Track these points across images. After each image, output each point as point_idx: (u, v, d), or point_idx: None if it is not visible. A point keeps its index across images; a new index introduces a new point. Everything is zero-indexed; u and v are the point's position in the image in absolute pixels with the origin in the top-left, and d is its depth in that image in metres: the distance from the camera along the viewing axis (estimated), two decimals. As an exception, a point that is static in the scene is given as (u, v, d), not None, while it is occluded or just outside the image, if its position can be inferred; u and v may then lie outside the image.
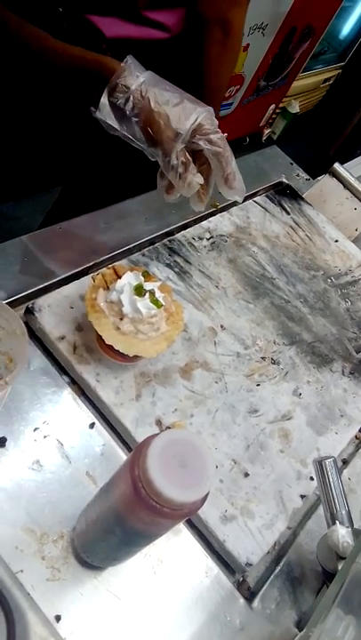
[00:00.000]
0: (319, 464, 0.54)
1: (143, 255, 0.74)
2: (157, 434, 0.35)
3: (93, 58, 0.52)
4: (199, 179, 0.53)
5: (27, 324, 0.60)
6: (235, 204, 0.92)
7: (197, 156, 0.53)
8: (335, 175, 1.02)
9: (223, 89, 0.85)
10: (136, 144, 0.53)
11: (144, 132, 0.51)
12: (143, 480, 0.33)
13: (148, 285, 0.56)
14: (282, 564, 0.56)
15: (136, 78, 0.50)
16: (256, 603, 0.53)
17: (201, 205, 0.58)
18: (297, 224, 0.97)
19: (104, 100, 0.50)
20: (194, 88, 0.92)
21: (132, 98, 0.50)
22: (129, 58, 0.51)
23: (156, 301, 0.56)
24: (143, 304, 0.55)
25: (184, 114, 0.50)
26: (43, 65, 0.54)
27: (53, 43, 0.53)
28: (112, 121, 0.51)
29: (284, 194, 1.01)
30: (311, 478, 0.63)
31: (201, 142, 0.51)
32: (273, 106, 2.65)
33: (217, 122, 0.52)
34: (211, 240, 0.83)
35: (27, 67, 0.56)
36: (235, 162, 0.54)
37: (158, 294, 0.57)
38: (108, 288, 0.57)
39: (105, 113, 0.51)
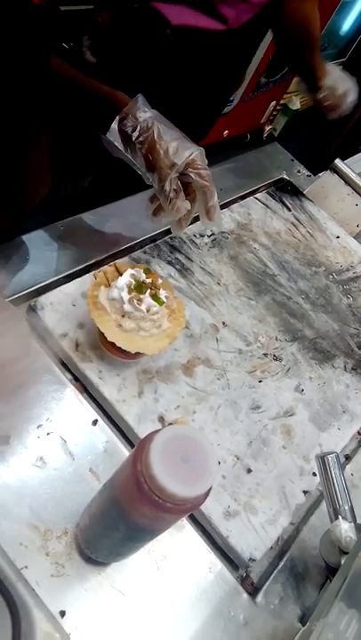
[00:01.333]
0: (322, 459, 0.54)
1: (145, 252, 0.74)
2: (160, 429, 0.35)
3: (108, 90, 0.60)
4: (187, 205, 0.61)
5: (29, 321, 0.61)
6: (235, 200, 0.93)
7: (185, 188, 0.61)
8: (336, 171, 1.02)
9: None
10: (136, 167, 0.61)
11: (145, 158, 0.58)
12: (146, 475, 0.34)
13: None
14: (285, 559, 0.56)
15: (144, 113, 0.58)
16: (260, 598, 0.53)
17: (180, 231, 0.65)
18: (298, 220, 0.97)
19: (115, 125, 0.58)
20: (237, 81, 1.08)
21: (139, 127, 0.58)
22: (139, 96, 0.59)
23: (157, 298, 0.56)
24: (144, 301, 0.55)
25: (181, 148, 0.58)
26: (65, 89, 0.62)
27: (75, 73, 0.61)
28: (119, 144, 0.59)
29: (286, 190, 1.01)
30: (314, 474, 0.63)
31: (192, 174, 0.59)
32: (274, 103, 2.64)
33: (206, 160, 0.60)
34: (212, 237, 0.83)
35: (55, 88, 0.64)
36: (216, 197, 0.61)
37: (161, 292, 0.57)
38: (109, 285, 0.58)
39: (114, 136, 0.58)
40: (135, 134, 0.58)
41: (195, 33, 0.86)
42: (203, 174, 0.59)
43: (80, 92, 0.61)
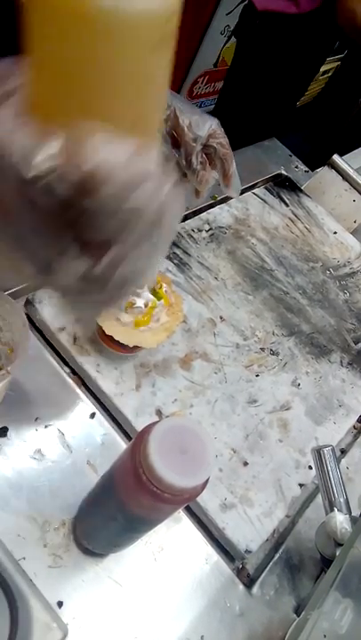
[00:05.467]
0: (318, 453, 0.54)
1: (142, 247, 0.74)
2: (158, 421, 0.35)
3: None
4: (215, 174, 0.64)
5: (27, 315, 0.61)
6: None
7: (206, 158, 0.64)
8: (334, 167, 1.02)
9: None
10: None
11: (170, 135, 0.60)
12: (144, 466, 0.34)
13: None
14: (281, 551, 0.57)
15: None
16: (255, 589, 0.53)
17: (199, 200, 0.67)
18: (296, 216, 0.97)
19: None
20: (314, 71, 1.28)
21: None
22: None
23: (156, 293, 0.56)
24: (142, 295, 0.55)
25: (201, 122, 0.60)
26: None
27: None
28: None
29: (283, 186, 1.01)
30: (310, 467, 0.64)
31: (214, 144, 0.61)
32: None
33: (223, 129, 0.63)
34: (210, 232, 0.83)
35: None
36: (235, 164, 0.64)
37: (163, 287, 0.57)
38: (107, 279, 0.58)
39: None
40: None
41: (275, 17, 1.02)
42: (223, 143, 0.62)
43: None
